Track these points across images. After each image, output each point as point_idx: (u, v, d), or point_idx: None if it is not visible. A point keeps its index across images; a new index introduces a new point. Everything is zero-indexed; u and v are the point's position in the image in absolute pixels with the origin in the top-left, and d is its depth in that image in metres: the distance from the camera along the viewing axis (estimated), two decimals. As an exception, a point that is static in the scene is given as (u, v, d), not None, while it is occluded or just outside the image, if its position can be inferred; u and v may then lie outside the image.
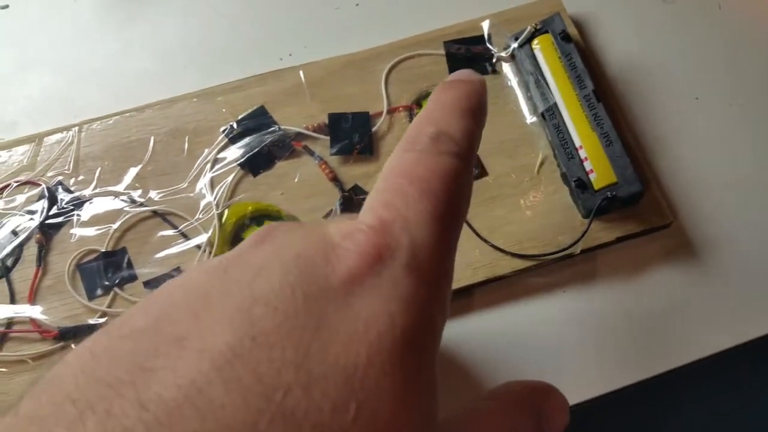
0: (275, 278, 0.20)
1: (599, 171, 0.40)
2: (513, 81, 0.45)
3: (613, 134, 0.41)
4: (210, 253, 0.40)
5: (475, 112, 0.28)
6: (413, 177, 0.23)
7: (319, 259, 0.20)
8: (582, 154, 0.41)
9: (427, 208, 0.22)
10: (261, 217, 0.43)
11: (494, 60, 0.45)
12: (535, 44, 0.44)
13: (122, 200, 0.43)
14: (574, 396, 0.38)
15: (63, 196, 0.42)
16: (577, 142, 0.41)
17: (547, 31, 0.44)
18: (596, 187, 0.40)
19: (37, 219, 0.41)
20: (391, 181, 0.23)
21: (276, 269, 0.20)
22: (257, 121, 0.45)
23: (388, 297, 0.20)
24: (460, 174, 0.24)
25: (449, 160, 0.24)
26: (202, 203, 0.42)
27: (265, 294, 0.19)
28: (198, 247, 0.41)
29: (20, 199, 0.43)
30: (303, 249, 0.21)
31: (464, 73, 0.32)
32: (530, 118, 0.44)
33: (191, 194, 0.43)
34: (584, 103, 0.42)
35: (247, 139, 0.44)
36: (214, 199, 0.42)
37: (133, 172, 0.43)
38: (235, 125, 0.45)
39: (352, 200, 0.42)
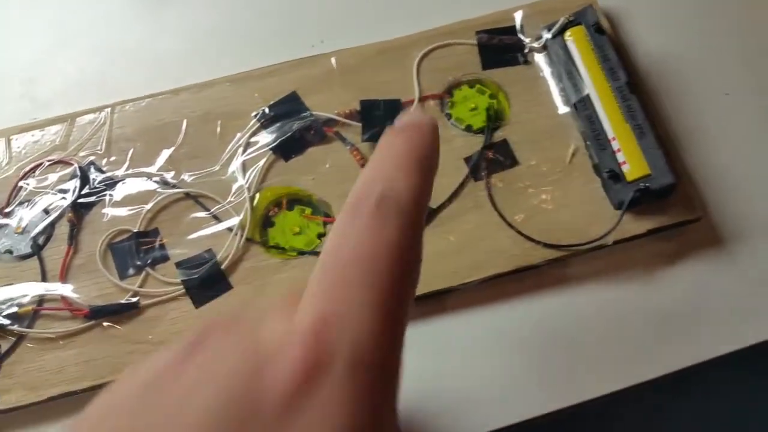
0: (207, 403, 0.18)
1: (632, 162, 0.40)
2: (545, 72, 0.45)
3: (646, 126, 0.41)
4: (242, 236, 0.40)
5: (424, 165, 0.26)
6: (357, 257, 0.21)
7: (252, 378, 0.19)
8: (615, 145, 0.41)
9: (372, 300, 0.20)
10: (292, 201, 0.43)
11: (526, 50, 0.46)
12: (568, 36, 0.44)
13: (155, 181, 0.43)
14: (600, 387, 0.38)
15: (95, 176, 0.42)
16: (610, 134, 0.41)
17: (579, 23, 0.44)
18: (629, 178, 0.40)
19: (70, 198, 0.41)
20: (335, 263, 0.21)
21: (208, 391, 0.19)
22: (289, 106, 0.45)
23: (327, 417, 0.18)
24: (406, 246, 0.22)
25: (395, 231, 0.22)
26: (234, 186, 0.42)
27: (196, 423, 0.18)
28: (229, 229, 0.41)
29: (52, 178, 0.44)
30: (236, 365, 0.19)
31: (416, 117, 0.30)
32: (562, 109, 0.44)
33: (223, 177, 0.44)
34: (617, 95, 0.42)
35: (279, 124, 0.44)
36: (246, 182, 0.42)
37: (165, 154, 0.43)
38: (267, 110, 0.45)
39: (383, 187, 0.41)
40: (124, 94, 0.46)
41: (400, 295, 0.21)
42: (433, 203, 0.41)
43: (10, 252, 0.40)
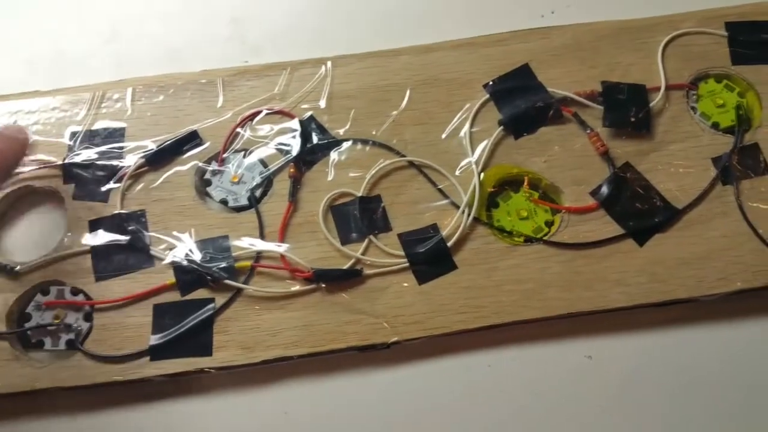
0: None
1: None
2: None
3: None
4: (469, 215, 0.37)
5: None
6: None
7: None
8: None
9: None
10: (519, 183, 0.41)
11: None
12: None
13: (379, 146, 0.41)
14: None
15: (316, 132, 0.40)
16: None
17: None
18: None
19: (293, 152, 0.39)
20: None
21: None
22: (520, 80, 0.42)
23: None
24: None
25: None
26: (462, 161, 0.39)
27: None
28: (455, 205, 0.40)
29: (270, 128, 0.42)
30: None
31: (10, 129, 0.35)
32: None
33: (448, 149, 0.41)
34: None
35: (510, 98, 0.41)
36: (475, 157, 0.39)
37: (388, 117, 0.40)
38: (497, 81, 0.42)
39: (624, 180, 0.38)
40: (339, 49, 0.44)
41: None
42: (679, 203, 0.37)
43: (224, 202, 0.38)
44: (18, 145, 0.34)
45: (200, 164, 0.39)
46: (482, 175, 0.39)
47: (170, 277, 0.36)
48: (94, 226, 0.38)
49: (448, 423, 0.34)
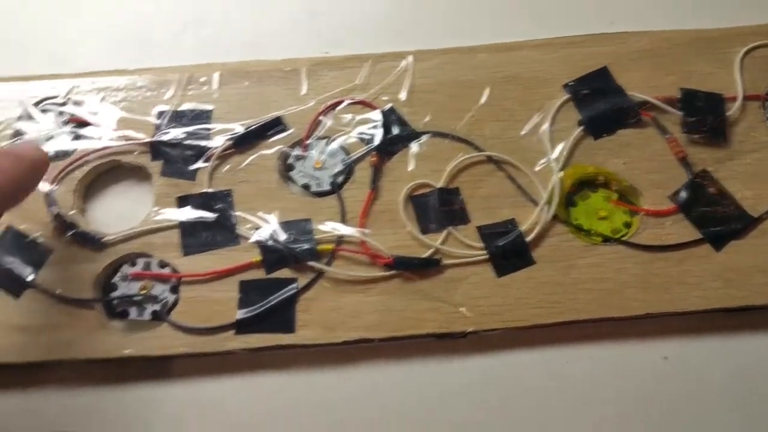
0: None
1: None
2: None
3: None
4: (548, 212, 0.38)
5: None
6: None
7: None
8: None
9: None
10: (597, 183, 0.42)
11: None
12: None
13: (458, 140, 0.43)
14: None
15: (397, 124, 0.41)
16: None
17: None
18: None
19: (375, 142, 0.40)
20: None
21: None
22: (599, 82, 0.43)
23: None
24: None
25: None
26: (541, 158, 0.40)
27: None
28: (533, 202, 0.41)
29: (351, 118, 0.44)
30: None
31: (23, 147, 0.35)
32: None
33: (527, 146, 0.42)
34: None
35: (590, 99, 0.42)
36: (555, 155, 0.39)
37: (467, 112, 0.41)
38: (576, 82, 0.44)
39: (701, 186, 0.39)
40: (416, 44, 0.45)
41: None
42: (754, 211, 0.38)
43: (306, 187, 0.39)
44: (31, 166, 0.34)
45: (284, 149, 0.40)
46: (561, 173, 0.39)
47: (255, 256, 0.37)
48: (182, 202, 0.39)
49: (524, 415, 0.35)
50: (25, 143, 0.36)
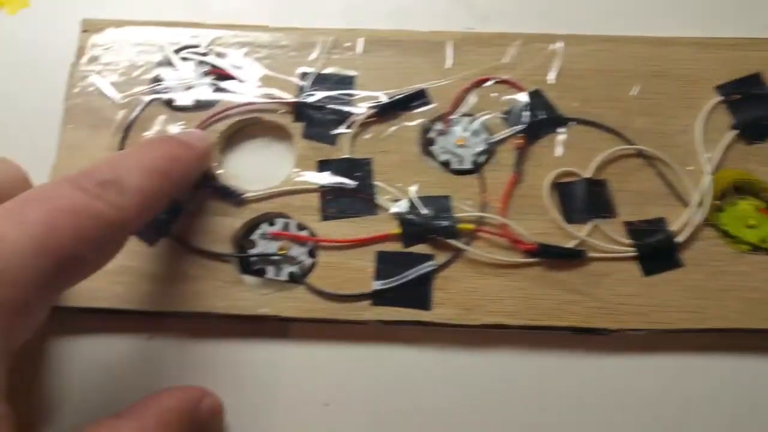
0: None
1: None
2: None
3: None
4: (700, 214, 0.36)
5: (171, 176, 0.31)
6: (55, 207, 0.25)
7: None
8: None
9: (34, 244, 0.24)
10: (744, 191, 0.40)
11: None
12: None
13: (607, 130, 0.42)
14: None
15: (544, 108, 0.39)
16: None
17: None
18: None
19: (520, 124, 0.39)
20: (33, 194, 0.26)
21: None
22: (754, 87, 0.42)
23: None
24: (105, 223, 0.26)
25: (101, 206, 0.26)
26: (693, 160, 0.39)
27: None
28: (683, 202, 0.40)
29: (493, 96, 0.43)
30: None
31: (193, 135, 0.36)
32: None
33: (678, 144, 0.41)
34: None
35: (745, 104, 0.40)
36: (707, 158, 0.38)
37: (618, 103, 0.41)
38: (730, 84, 0.42)
39: None
40: (565, 28, 0.44)
41: (71, 258, 0.25)
42: None
43: (446, 163, 0.38)
44: (201, 155, 0.35)
45: (426, 122, 0.39)
46: (712, 176, 0.37)
47: (394, 228, 0.36)
48: (322, 166, 0.38)
49: (665, 423, 0.34)
50: (193, 132, 0.37)
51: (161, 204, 0.32)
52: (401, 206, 0.37)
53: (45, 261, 0.24)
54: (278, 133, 0.40)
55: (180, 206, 0.37)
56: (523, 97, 0.40)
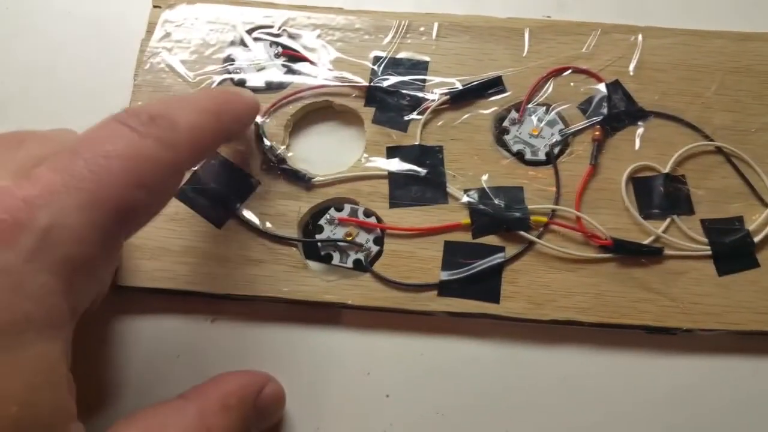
0: None
1: None
2: None
3: None
4: None
5: (221, 117, 0.30)
6: (99, 152, 0.24)
7: None
8: None
9: (85, 196, 0.23)
10: None
11: None
12: None
13: (686, 125, 0.41)
14: None
15: (623, 100, 0.38)
16: None
17: None
18: None
19: (598, 116, 0.37)
20: (88, 148, 0.24)
21: None
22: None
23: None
24: (158, 164, 0.25)
25: (152, 145, 0.25)
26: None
27: None
28: (762, 201, 0.38)
29: (570, 86, 0.42)
30: None
31: (245, 92, 0.36)
32: None
33: (759, 142, 0.40)
34: None
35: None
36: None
37: (697, 98, 0.40)
38: None
39: None
40: (646, 20, 0.43)
41: (123, 199, 0.24)
42: None
43: (520, 153, 0.37)
44: (250, 105, 0.35)
45: (501, 111, 0.38)
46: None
47: (463, 217, 0.36)
48: (392, 153, 0.37)
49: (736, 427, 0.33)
50: (239, 89, 0.37)
51: (213, 144, 0.32)
52: (473, 196, 0.36)
53: (100, 213, 0.23)
54: (347, 117, 0.39)
55: (249, 188, 0.36)
56: (601, 88, 0.39)
